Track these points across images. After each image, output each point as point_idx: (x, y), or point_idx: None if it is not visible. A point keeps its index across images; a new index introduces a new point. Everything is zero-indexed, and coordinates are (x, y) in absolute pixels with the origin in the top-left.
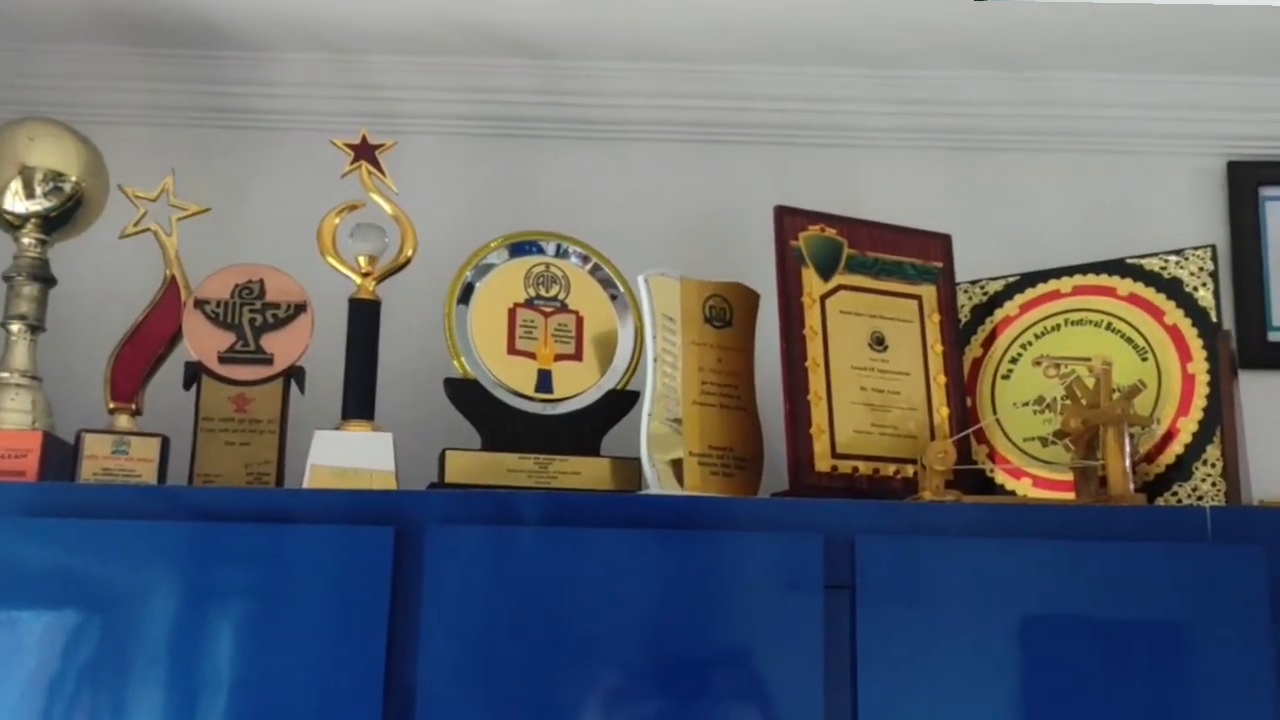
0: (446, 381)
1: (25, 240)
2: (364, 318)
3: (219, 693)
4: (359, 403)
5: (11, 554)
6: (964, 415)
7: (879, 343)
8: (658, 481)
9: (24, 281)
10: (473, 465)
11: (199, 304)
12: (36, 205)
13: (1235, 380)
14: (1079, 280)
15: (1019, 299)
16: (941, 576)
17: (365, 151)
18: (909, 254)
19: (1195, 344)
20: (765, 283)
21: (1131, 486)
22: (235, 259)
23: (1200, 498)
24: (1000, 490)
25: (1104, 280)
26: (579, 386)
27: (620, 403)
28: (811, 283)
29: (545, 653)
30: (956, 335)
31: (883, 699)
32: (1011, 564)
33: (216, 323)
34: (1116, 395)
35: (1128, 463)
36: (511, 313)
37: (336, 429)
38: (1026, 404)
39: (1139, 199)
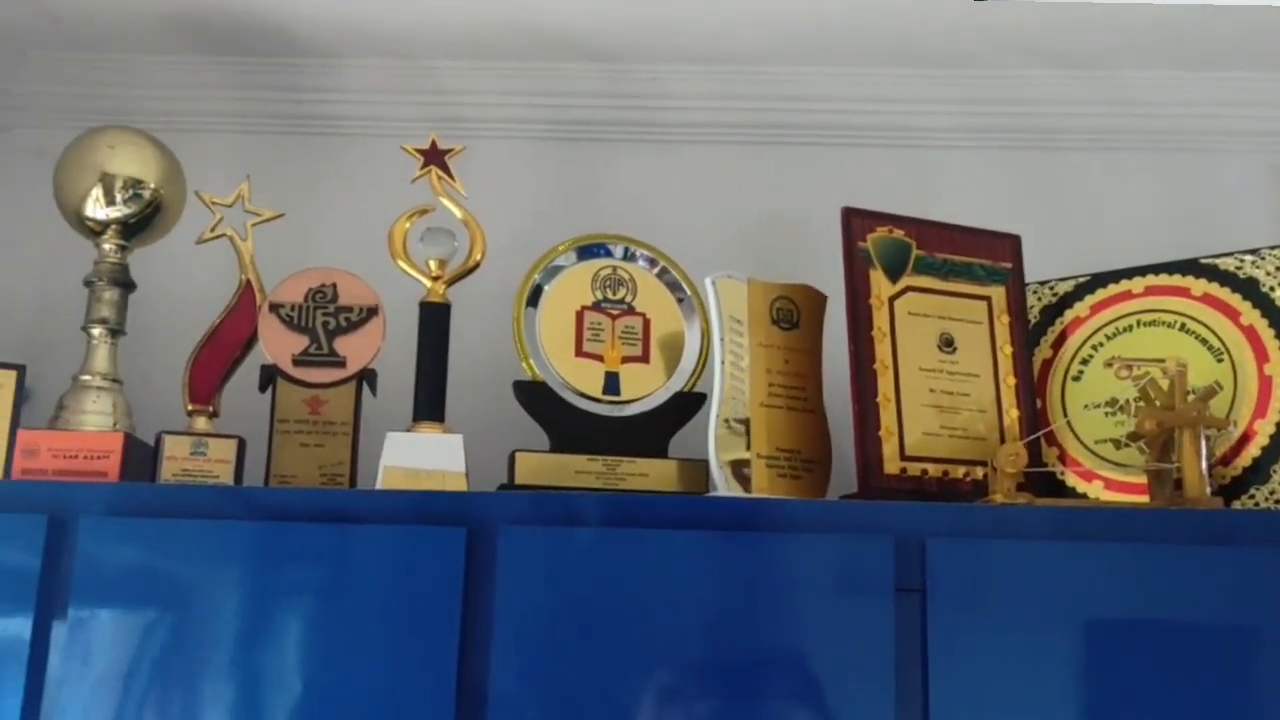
0: (516, 384)
1: (106, 246)
2: (434, 320)
3: (293, 691)
4: (430, 405)
5: (94, 553)
6: (1034, 417)
7: (948, 344)
8: (725, 483)
9: (105, 286)
10: (542, 466)
11: (274, 308)
12: (116, 212)
13: None
14: (1151, 280)
15: (1089, 300)
16: (1013, 580)
17: (435, 156)
18: (978, 255)
19: (1272, 344)
20: (832, 285)
21: (1208, 490)
22: (308, 263)
23: (1278, 501)
24: (1071, 493)
25: (1177, 280)
26: (646, 389)
27: (687, 405)
28: (879, 284)
29: (614, 654)
30: (1026, 336)
31: (954, 704)
32: (1084, 568)
33: (291, 326)
34: (1192, 397)
35: (1204, 465)
36: (579, 315)
37: (408, 431)
38: (1098, 406)
39: (1213, 197)
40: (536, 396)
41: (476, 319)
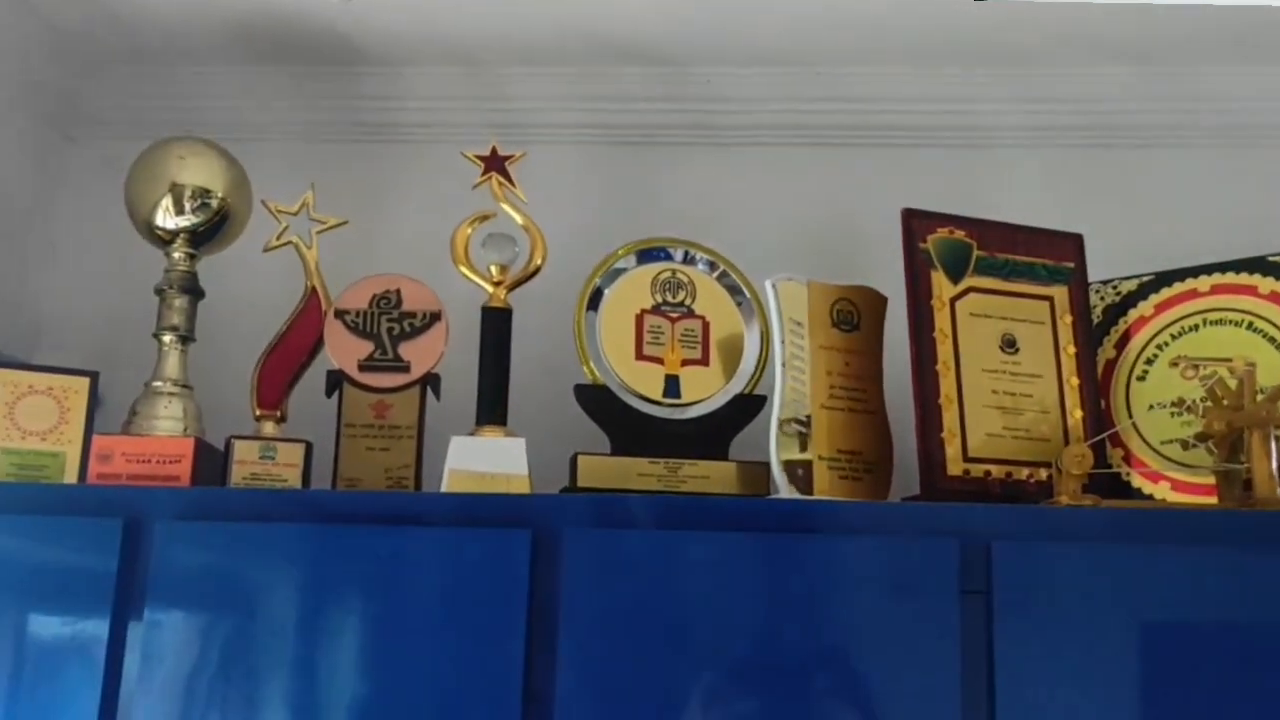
0: (577, 387)
1: (175, 255)
2: (496, 325)
3: (358, 693)
4: (492, 408)
5: (168, 555)
6: (1099, 418)
7: (1010, 345)
8: (787, 485)
9: (174, 294)
10: (603, 469)
11: (339, 314)
12: (185, 221)
13: None
14: (1217, 279)
15: (1154, 299)
16: (1079, 582)
17: (495, 163)
18: (1040, 255)
19: None
20: (892, 286)
21: (1279, 490)
22: (372, 270)
23: None
24: (1137, 495)
25: (1244, 279)
26: (706, 391)
27: (748, 407)
28: (941, 285)
29: (677, 656)
30: (1089, 336)
31: (1020, 708)
32: (1151, 570)
33: (356, 332)
34: (1261, 396)
35: (1274, 465)
36: (639, 318)
37: (471, 434)
38: (1163, 406)
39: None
40: (597, 400)
41: (538, 323)
